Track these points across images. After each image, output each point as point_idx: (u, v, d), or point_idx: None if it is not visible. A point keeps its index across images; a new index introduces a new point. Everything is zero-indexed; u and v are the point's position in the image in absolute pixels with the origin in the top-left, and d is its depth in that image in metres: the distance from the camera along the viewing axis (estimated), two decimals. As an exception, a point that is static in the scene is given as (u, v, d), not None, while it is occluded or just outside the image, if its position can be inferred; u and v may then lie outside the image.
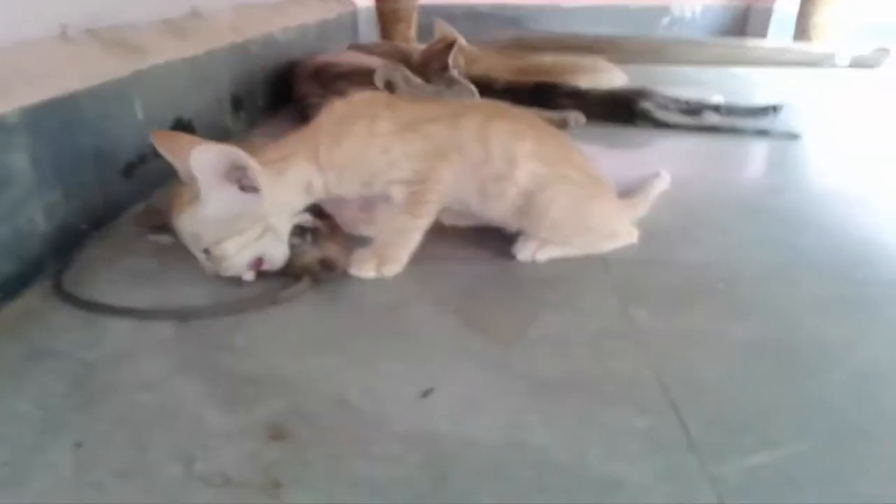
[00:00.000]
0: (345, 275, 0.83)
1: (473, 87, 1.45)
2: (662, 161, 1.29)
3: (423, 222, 0.85)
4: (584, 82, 1.77)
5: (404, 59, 1.51)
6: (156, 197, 1.04)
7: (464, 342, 0.71)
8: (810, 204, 1.14)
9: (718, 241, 0.98)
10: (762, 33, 3.12)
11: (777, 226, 1.04)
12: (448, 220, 0.95)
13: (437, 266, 0.88)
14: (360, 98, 0.86)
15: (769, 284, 0.85)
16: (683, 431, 0.58)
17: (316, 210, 0.87)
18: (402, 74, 1.37)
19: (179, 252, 0.89)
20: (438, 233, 0.89)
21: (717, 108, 1.71)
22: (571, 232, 0.88)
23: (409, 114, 0.85)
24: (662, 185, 1.14)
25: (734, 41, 2.78)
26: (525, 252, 0.89)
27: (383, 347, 0.70)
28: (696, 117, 1.67)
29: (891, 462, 0.55)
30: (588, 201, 0.88)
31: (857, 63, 2.52)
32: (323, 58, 1.67)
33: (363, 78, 1.37)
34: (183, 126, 1.14)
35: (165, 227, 0.93)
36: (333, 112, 0.84)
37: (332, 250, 0.84)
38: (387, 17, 2.54)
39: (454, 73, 1.44)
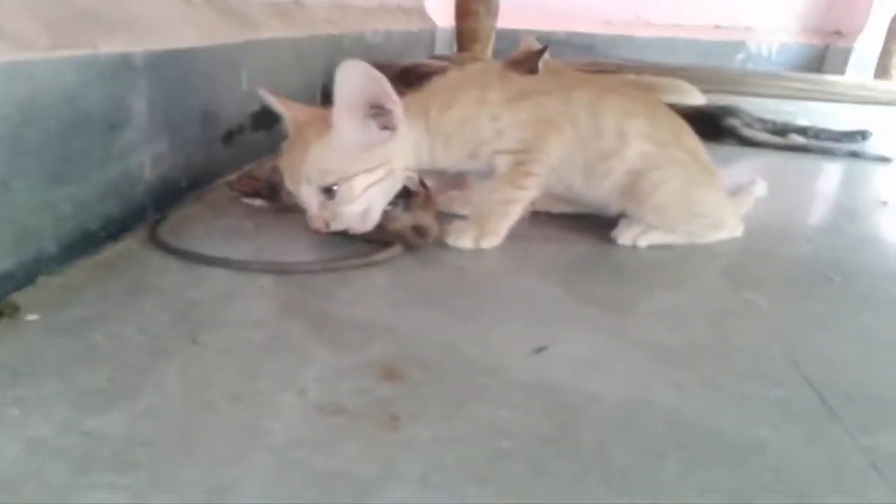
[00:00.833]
0: (437, 243, 0.81)
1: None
2: (755, 174, 1.24)
3: (526, 194, 0.82)
4: (666, 100, 1.74)
5: (486, 68, 1.51)
6: (252, 166, 1.04)
7: (573, 309, 0.68)
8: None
9: (828, 240, 0.93)
10: (840, 72, 3.05)
11: (888, 231, 0.99)
12: (542, 207, 0.93)
13: (535, 244, 0.85)
14: (474, 67, 0.86)
15: (890, 280, 0.79)
16: (823, 404, 0.53)
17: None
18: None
19: (274, 215, 0.89)
20: (532, 218, 0.87)
21: (803, 131, 1.66)
22: (677, 217, 0.84)
23: (520, 85, 0.83)
24: (759, 191, 1.09)
25: (813, 76, 2.72)
26: (626, 236, 0.85)
27: (488, 308, 0.67)
28: (782, 137, 1.62)
29: None
30: (697, 187, 0.85)
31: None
32: (410, 61, 1.68)
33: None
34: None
35: (260, 193, 0.93)
36: (447, 78, 0.83)
37: (424, 218, 0.82)
38: (465, 36, 2.55)
39: (541, 76, 1.43)
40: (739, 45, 3.28)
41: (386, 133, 0.74)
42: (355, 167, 0.73)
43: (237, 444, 0.45)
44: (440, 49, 2.62)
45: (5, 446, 0.44)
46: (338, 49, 1.44)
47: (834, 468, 0.46)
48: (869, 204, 1.16)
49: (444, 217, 0.85)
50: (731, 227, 0.90)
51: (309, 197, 0.75)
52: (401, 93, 1.48)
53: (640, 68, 2.38)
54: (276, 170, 0.92)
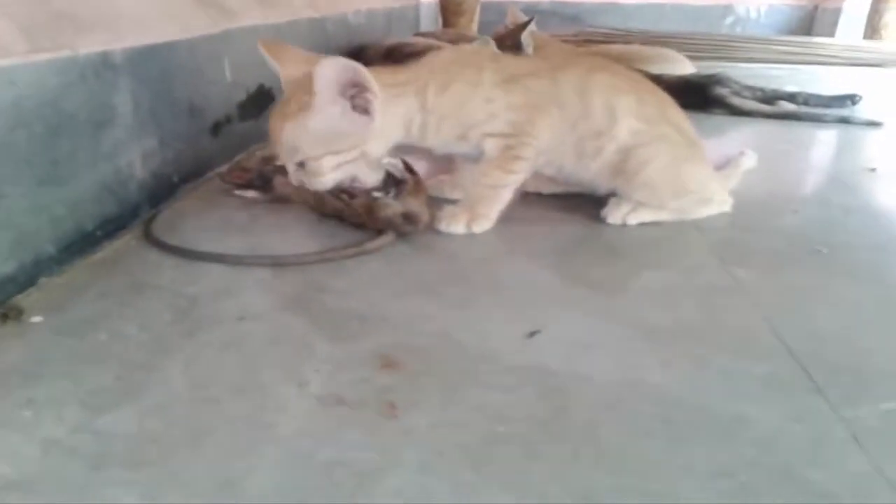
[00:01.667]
0: (427, 229, 0.82)
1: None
2: (744, 145, 1.25)
3: (515, 178, 0.83)
4: (653, 70, 1.74)
5: (471, 45, 1.50)
6: (242, 156, 1.05)
7: (565, 292, 0.69)
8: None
9: (816, 211, 0.95)
10: (830, 33, 3.04)
11: (875, 200, 1.00)
12: (532, 188, 0.94)
13: (526, 227, 0.86)
14: (467, 48, 0.86)
15: (876, 252, 0.81)
16: (807, 378, 0.55)
17: (404, 166, 0.87)
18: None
19: (267, 206, 0.90)
20: (523, 199, 0.88)
21: (792, 97, 1.67)
22: (666, 193, 0.85)
23: (511, 67, 0.84)
24: (749, 162, 1.10)
25: (802, 39, 2.71)
26: (616, 215, 0.87)
27: (481, 294, 0.69)
28: (771, 105, 1.63)
29: None
30: (685, 163, 0.86)
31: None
32: (394, 40, 1.67)
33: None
34: (265, 92, 1.15)
35: (251, 184, 0.94)
36: (442, 57, 0.84)
37: (414, 205, 0.83)
38: (449, 11, 2.54)
39: (528, 51, 1.43)
40: (728, 9, 3.26)
41: (364, 119, 0.76)
42: (323, 149, 0.76)
43: (243, 438, 0.47)
44: (425, 24, 2.60)
45: (22, 448, 0.45)
46: (320, 33, 1.43)
47: (816, 441, 0.48)
48: (857, 172, 1.17)
49: (436, 202, 0.86)
50: (719, 202, 0.91)
51: (286, 161, 0.79)
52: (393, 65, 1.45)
53: (627, 37, 2.37)
54: (266, 160, 0.93)
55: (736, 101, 1.60)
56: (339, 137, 0.76)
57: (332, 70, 0.72)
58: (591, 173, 0.86)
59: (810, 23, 3.24)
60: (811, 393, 0.53)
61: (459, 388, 0.53)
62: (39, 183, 0.66)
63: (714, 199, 0.90)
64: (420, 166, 0.89)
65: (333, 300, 0.66)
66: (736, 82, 1.64)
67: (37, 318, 0.61)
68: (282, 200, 0.90)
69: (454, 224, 0.83)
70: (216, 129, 1.01)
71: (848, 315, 0.65)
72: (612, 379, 0.54)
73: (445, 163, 0.95)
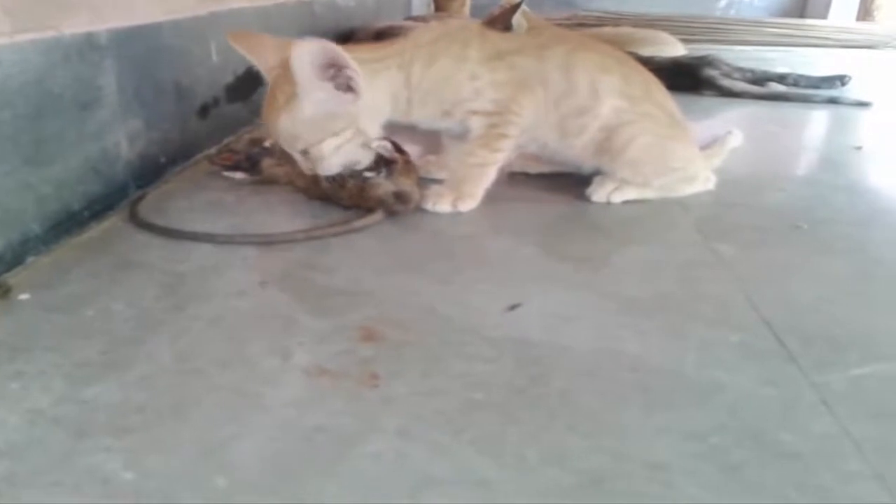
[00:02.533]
0: (418, 209, 0.83)
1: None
2: (732, 125, 1.26)
3: (500, 156, 0.84)
4: (645, 52, 1.74)
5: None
6: (230, 139, 1.06)
7: (547, 267, 0.70)
8: (893, 160, 1.10)
9: (800, 189, 0.96)
10: (822, 15, 3.04)
11: (859, 177, 1.01)
12: (519, 168, 0.95)
13: (511, 205, 0.87)
14: (454, 22, 0.86)
15: (857, 227, 0.82)
16: (781, 346, 0.56)
17: (394, 147, 0.87)
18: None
19: (254, 187, 0.90)
20: (509, 179, 0.89)
21: (782, 78, 1.67)
22: (651, 171, 0.86)
23: (497, 44, 0.84)
24: (735, 141, 1.11)
25: (794, 21, 2.71)
26: (600, 193, 0.88)
27: (465, 270, 0.70)
28: (761, 86, 1.63)
29: None
30: (669, 141, 0.86)
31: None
32: (384, 23, 1.67)
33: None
34: (253, 75, 1.15)
35: (240, 166, 0.95)
36: (429, 31, 0.84)
37: (405, 184, 0.83)
38: (441, -6, 2.53)
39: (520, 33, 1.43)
40: (721, -8, 3.25)
41: (350, 96, 0.76)
42: (322, 133, 0.76)
43: (227, 407, 0.48)
44: (417, 9, 2.59)
45: (7, 418, 0.46)
46: (308, 15, 1.43)
47: (786, 406, 0.49)
48: (843, 150, 1.18)
49: (423, 182, 0.87)
50: (703, 180, 0.92)
51: (290, 151, 0.80)
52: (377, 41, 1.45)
53: (619, 20, 2.37)
54: (254, 142, 0.94)
55: (726, 82, 1.60)
56: (332, 119, 0.76)
57: (306, 54, 0.72)
58: (575, 151, 0.87)
59: (803, 5, 3.23)
60: (784, 360, 0.54)
61: (440, 359, 0.54)
62: (25, 162, 0.66)
63: (698, 177, 0.91)
64: (410, 148, 0.90)
65: (319, 277, 0.67)
66: (726, 64, 1.64)
67: (24, 296, 0.62)
68: (270, 182, 0.91)
69: (440, 203, 0.84)
70: (204, 111, 1.02)
71: (824, 287, 0.67)
72: (590, 349, 0.55)
73: (434, 144, 0.96)
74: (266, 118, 0.79)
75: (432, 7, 2.61)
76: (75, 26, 0.72)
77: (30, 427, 0.46)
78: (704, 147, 1.03)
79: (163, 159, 0.92)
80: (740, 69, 1.66)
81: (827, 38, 2.49)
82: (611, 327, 0.59)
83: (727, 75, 1.63)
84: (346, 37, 1.67)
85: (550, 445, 0.44)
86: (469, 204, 0.84)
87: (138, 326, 0.58)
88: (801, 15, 3.18)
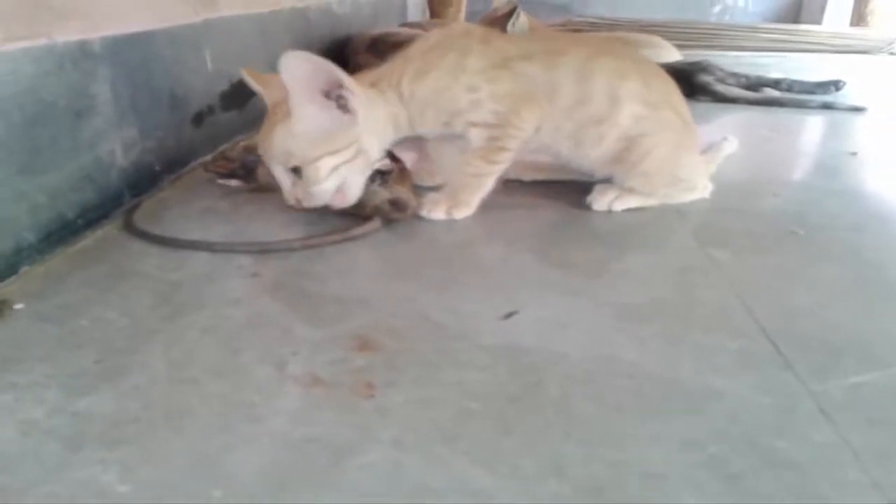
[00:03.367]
0: (414, 216, 0.82)
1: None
2: (727, 131, 1.26)
3: (498, 168, 0.83)
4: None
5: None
6: (225, 147, 1.05)
7: (543, 274, 0.70)
8: (888, 166, 1.10)
9: (795, 194, 0.96)
10: (817, 21, 3.05)
11: (855, 182, 1.01)
12: (513, 175, 0.94)
13: (507, 213, 0.87)
14: (456, 28, 0.85)
15: (853, 232, 0.82)
16: (777, 353, 0.56)
17: (388, 155, 0.87)
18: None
19: (250, 195, 0.90)
20: (504, 186, 0.88)
21: (776, 84, 1.68)
22: (661, 182, 0.86)
23: (503, 50, 0.81)
24: (730, 148, 1.11)
25: (789, 26, 2.72)
26: (602, 202, 0.87)
27: (460, 277, 0.69)
28: (756, 92, 1.64)
29: None
30: (683, 151, 0.86)
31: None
32: (379, 30, 1.67)
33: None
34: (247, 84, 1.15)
35: (235, 173, 0.95)
36: (426, 42, 0.82)
37: (401, 192, 0.83)
38: (436, 1, 2.54)
39: (513, 40, 1.43)
40: (715, -3, 3.27)
41: (348, 116, 0.75)
42: (319, 150, 0.74)
43: (221, 417, 0.47)
44: (412, 15, 2.59)
45: (1, 430, 0.46)
46: (303, 22, 1.43)
47: (784, 414, 0.49)
48: (838, 156, 1.18)
49: (417, 190, 0.87)
50: (701, 189, 0.92)
51: (281, 175, 0.77)
52: (373, 63, 1.48)
53: (614, 26, 2.38)
54: (249, 150, 0.93)
55: (721, 88, 1.60)
56: (328, 137, 0.75)
57: (296, 66, 0.71)
58: (591, 160, 0.85)
59: (797, 10, 3.25)
60: (781, 367, 0.54)
61: (435, 367, 0.53)
62: (19, 171, 0.66)
63: (699, 185, 0.91)
64: (407, 156, 0.90)
65: (313, 285, 0.67)
66: (721, 69, 1.65)
67: (18, 306, 0.62)
68: (265, 189, 0.91)
69: (436, 211, 0.83)
70: (198, 118, 1.02)
71: (820, 293, 0.66)
72: (586, 356, 0.55)
73: (424, 152, 0.95)
74: (262, 139, 0.77)
75: (427, 13, 2.62)
76: (68, 34, 0.72)
77: (23, 439, 0.45)
78: (701, 153, 1.03)
79: (157, 167, 0.92)
80: (735, 75, 1.67)
81: (821, 44, 2.50)
82: (606, 334, 0.58)
83: (722, 81, 1.63)
84: (341, 43, 1.67)
85: (547, 455, 0.44)
86: (464, 212, 0.84)
87: (132, 335, 0.58)
88: (796, 20, 3.19)
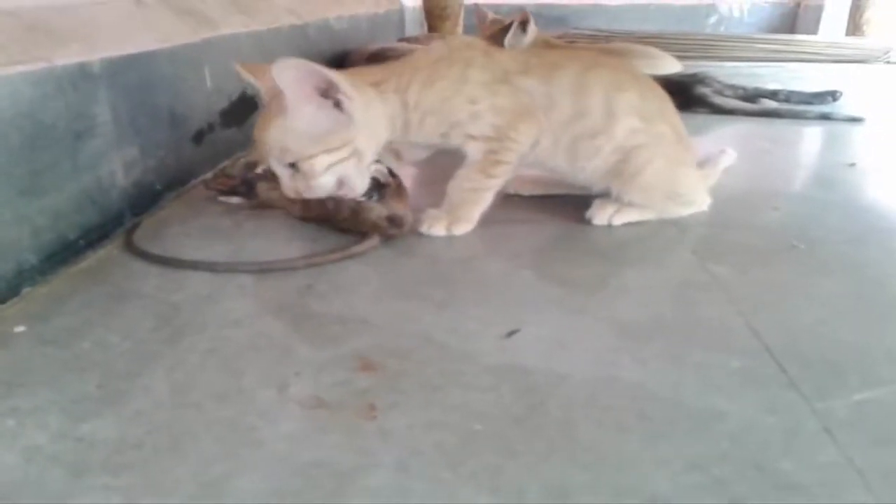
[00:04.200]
0: (412, 232, 0.82)
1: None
2: (725, 143, 1.26)
3: (497, 182, 0.84)
4: (638, 68, 1.75)
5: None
6: (226, 164, 1.06)
7: (543, 291, 0.70)
8: (887, 177, 1.11)
9: (795, 207, 0.96)
10: (812, 31, 3.07)
11: (854, 194, 1.01)
12: (513, 190, 0.95)
13: (508, 228, 0.87)
14: (459, 41, 0.86)
15: (853, 245, 0.82)
16: (781, 371, 0.56)
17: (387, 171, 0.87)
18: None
19: (251, 212, 0.90)
20: (504, 201, 0.89)
21: (774, 95, 1.68)
22: (659, 196, 0.86)
23: (504, 64, 0.82)
24: (728, 160, 1.11)
25: (785, 37, 2.74)
26: (601, 216, 0.87)
27: (461, 295, 0.69)
28: (753, 103, 1.64)
29: None
30: (680, 166, 0.86)
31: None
32: (378, 46, 1.68)
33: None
34: (247, 100, 1.16)
35: (235, 190, 0.95)
36: (431, 52, 0.83)
37: (398, 208, 0.83)
38: (434, 15, 2.55)
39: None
40: (711, 9, 3.28)
41: (345, 116, 0.75)
42: (314, 148, 0.75)
43: (224, 442, 0.47)
44: (410, 30, 2.61)
45: (4, 456, 0.46)
46: (303, 39, 1.44)
47: (788, 434, 0.48)
48: (836, 167, 1.18)
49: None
50: (700, 202, 0.92)
51: (278, 168, 0.78)
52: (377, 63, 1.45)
53: (611, 38, 2.39)
54: (250, 166, 0.94)
55: (718, 99, 1.61)
56: (324, 135, 0.76)
57: (288, 70, 0.71)
58: (587, 174, 0.85)
59: (793, 20, 3.27)
60: (784, 386, 0.54)
61: (438, 388, 0.53)
62: (20, 193, 0.66)
63: (697, 199, 0.91)
64: (406, 173, 0.90)
65: (315, 304, 0.67)
66: (718, 81, 1.66)
67: (20, 328, 0.62)
68: (265, 206, 0.91)
69: (435, 227, 0.83)
70: (199, 137, 1.02)
71: (822, 308, 0.66)
72: (588, 376, 0.55)
73: (432, 171, 0.95)
74: (257, 132, 0.78)
75: (425, 28, 2.63)
76: (67, 57, 0.72)
77: (27, 465, 0.45)
78: (699, 165, 1.03)
79: (158, 186, 0.92)
80: (732, 86, 1.67)
81: (818, 54, 2.51)
82: (608, 353, 0.58)
83: (719, 92, 1.64)
84: (340, 59, 1.68)
85: (550, 479, 0.44)
86: (464, 227, 0.84)
87: (134, 359, 0.58)
88: (792, 30, 3.21)
